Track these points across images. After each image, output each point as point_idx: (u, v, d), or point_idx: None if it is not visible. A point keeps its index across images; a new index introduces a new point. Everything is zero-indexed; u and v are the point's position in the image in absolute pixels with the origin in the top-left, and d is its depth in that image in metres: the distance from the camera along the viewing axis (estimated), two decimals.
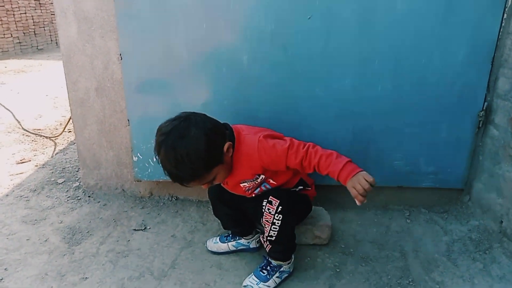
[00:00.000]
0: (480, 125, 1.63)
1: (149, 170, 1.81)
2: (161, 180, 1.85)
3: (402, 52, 1.53)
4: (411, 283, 1.37)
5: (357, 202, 1.12)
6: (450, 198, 1.81)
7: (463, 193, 1.78)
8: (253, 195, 1.35)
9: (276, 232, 1.26)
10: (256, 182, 1.30)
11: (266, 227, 1.27)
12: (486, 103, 1.60)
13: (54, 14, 8.62)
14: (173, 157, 1.12)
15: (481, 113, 1.61)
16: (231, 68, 1.60)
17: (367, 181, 1.10)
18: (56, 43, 8.81)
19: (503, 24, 1.49)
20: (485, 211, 1.65)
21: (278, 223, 1.25)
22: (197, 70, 1.63)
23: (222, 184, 1.38)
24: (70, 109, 1.85)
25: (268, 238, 1.29)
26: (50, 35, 8.61)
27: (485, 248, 1.53)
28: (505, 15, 1.48)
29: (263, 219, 1.27)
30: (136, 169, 1.82)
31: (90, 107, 1.84)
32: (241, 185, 1.31)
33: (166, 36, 1.60)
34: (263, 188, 1.34)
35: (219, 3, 1.52)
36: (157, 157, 1.18)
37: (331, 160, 1.17)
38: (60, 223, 1.73)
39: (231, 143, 1.22)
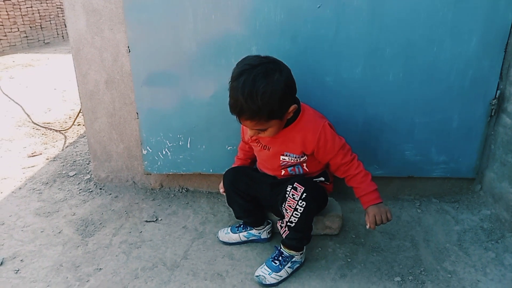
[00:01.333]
0: (493, 114, 1.61)
1: (159, 163, 1.82)
2: (170, 173, 1.86)
3: (413, 40, 1.51)
4: (422, 273, 1.37)
5: (368, 225, 1.26)
6: (461, 187, 1.80)
7: (475, 182, 1.77)
8: (282, 172, 1.39)
9: (297, 219, 1.27)
10: (298, 161, 1.34)
11: (288, 212, 1.28)
12: (498, 91, 1.58)
13: (60, 8, 8.67)
14: (249, 89, 1.14)
15: (494, 101, 1.59)
16: (240, 59, 1.59)
17: (387, 218, 1.26)
18: (63, 36, 8.84)
19: None
20: (497, 200, 1.63)
21: (300, 209, 1.26)
22: (206, 62, 1.62)
23: (259, 151, 1.41)
24: (80, 102, 1.86)
25: (288, 224, 1.30)
26: (57, 29, 8.62)
27: (497, 237, 1.52)
28: None
29: (286, 204, 1.28)
30: (146, 162, 1.83)
31: (100, 100, 1.85)
32: (281, 158, 1.35)
33: (174, 28, 1.59)
34: (295, 169, 1.37)
35: None
36: (232, 83, 1.20)
37: (366, 180, 1.30)
38: (73, 215, 1.75)
39: (296, 106, 1.25)
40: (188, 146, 1.78)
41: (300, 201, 1.25)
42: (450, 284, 1.31)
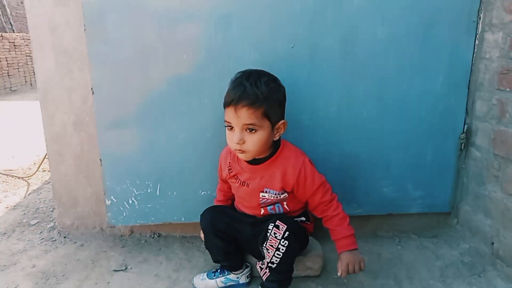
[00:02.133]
0: (462, 147, 1.65)
1: (124, 214, 1.68)
2: (137, 225, 1.74)
3: (385, 78, 1.56)
4: None
5: (339, 273, 1.22)
6: (438, 222, 1.80)
7: (451, 216, 1.77)
8: (262, 211, 1.33)
9: (278, 259, 1.20)
10: (278, 198, 1.29)
11: (269, 252, 1.21)
12: (466, 126, 1.63)
13: (29, 56, 8.61)
14: (255, 78, 1.19)
15: (462, 135, 1.64)
16: (214, 99, 1.56)
17: (360, 268, 1.23)
18: (31, 84, 8.71)
19: (475, 50, 1.56)
20: (474, 233, 1.63)
21: (282, 249, 1.19)
22: (178, 103, 1.57)
23: (238, 187, 1.35)
24: (46, 145, 1.77)
25: (269, 265, 1.22)
26: (25, 77, 8.51)
27: (479, 271, 1.50)
28: (476, 41, 1.55)
29: (267, 243, 1.21)
30: (110, 213, 1.67)
31: (67, 142, 1.76)
32: (261, 195, 1.30)
33: (143, 68, 1.54)
34: (275, 208, 1.32)
35: (201, 33, 1.51)
36: (236, 77, 1.23)
37: (343, 223, 1.27)
38: (33, 267, 1.60)
39: (286, 121, 1.27)
40: (158, 194, 1.66)
41: (283, 240, 1.19)
42: None
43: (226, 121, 1.23)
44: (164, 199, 1.66)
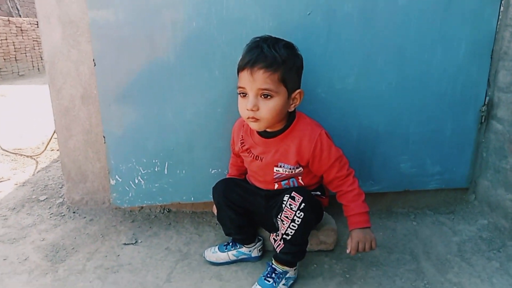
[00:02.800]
0: (483, 120, 1.59)
1: (130, 195, 1.61)
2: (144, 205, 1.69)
3: (405, 48, 1.49)
4: (427, 286, 1.27)
5: (348, 250, 1.17)
6: (455, 198, 1.75)
7: (468, 192, 1.72)
8: (276, 186, 1.29)
9: (293, 231, 1.16)
10: (293, 173, 1.24)
11: (284, 224, 1.17)
12: (487, 98, 1.57)
13: (36, 41, 8.58)
14: (273, 41, 1.15)
15: (483, 108, 1.57)
16: (226, 71, 1.47)
17: (371, 247, 1.17)
18: (38, 69, 8.70)
19: (500, 17, 1.48)
20: (493, 208, 1.58)
21: (298, 220, 1.15)
22: (187, 75, 1.49)
23: (251, 162, 1.30)
24: (54, 119, 1.74)
25: (284, 236, 1.18)
26: (32, 61, 8.50)
27: (498, 246, 1.46)
28: (501, 7, 1.47)
29: (282, 215, 1.17)
30: (115, 194, 1.60)
31: (75, 116, 1.73)
32: (275, 169, 1.25)
33: (149, 37, 1.45)
34: (290, 183, 1.27)
35: None
36: (253, 41, 1.17)
37: (358, 199, 1.20)
38: (42, 240, 1.59)
39: (303, 91, 1.21)
40: (166, 172, 1.58)
41: (298, 211, 1.15)
42: None
43: (239, 87, 1.17)
44: (173, 178, 1.59)
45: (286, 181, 1.28)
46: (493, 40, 1.51)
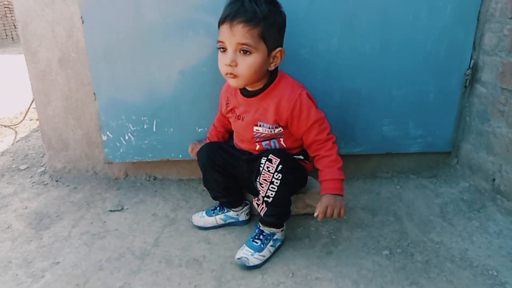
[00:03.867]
0: (467, 84, 1.60)
1: (121, 150, 1.65)
2: (135, 161, 1.70)
3: (389, 8, 1.46)
4: (410, 245, 1.31)
5: (316, 213, 1.13)
6: (438, 162, 1.78)
7: (451, 156, 1.75)
8: (257, 146, 1.28)
9: (274, 193, 1.16)
10: (271, 132, 1.23)
11: (263, 187, 1.17)
12: (472, 61, 1.57)
13: (8, 7, 8.13)
14: None
15: (468, 71, 1.58)
16: (209, 31, 1.47)
17: (340, 214, 1.14)
18: (12, 38, 8.31)
19: None
20: (474, 171, 1.62)
21: (277, 182, 1.15)
22: (172, 33, 1.48)
23: (234, 122, 1.31)
24: (31, 84, 1.67)
25: (265, 199, 1.19)
26: (5, 30, 8.09)
27: (478, 207, 1.50)
28: None
29: (260, 178, 1.16)
30: (106, 149, 1.65)
31: (53, 81, 1.66)
32: (255, 128, 1.24)
33: None
34: (271, 144, 1.26)
35: None
36: None
37: (333, 165, 1.18)
38: (25, 209, 1.56)
39: (283, 49, 1.18)
40: (154, 130, 1.62)
41: (276, 173, 1.14)
42: (439, 254, 1.26)
43: (219, 41, 1.14)
44: (161, 136, 1.62)
45: (267, 142, 1.28)
46: (480, 1, 1.49)
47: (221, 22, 1.13)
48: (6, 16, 8.13)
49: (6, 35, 8.16)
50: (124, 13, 1.46)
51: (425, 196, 1.61)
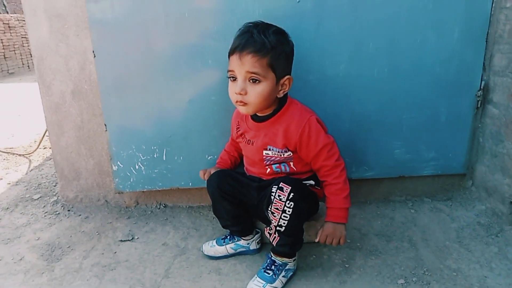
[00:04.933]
0: (479, 105, 1.58)
1: (131, 180, 1.66)
2: (145, 190, 1.71)
3: (396, 32, 1.47)
4: (426, 273, 1.27)
5: (317, 239, 1.21)
6: (452, 184, 1.75)
7: (466, 178, 1.72)
8: (267, 170, 1.29)
9: (286, 222, 1.15)
10: (282, 156, 1.24)
11: (275, 216, 1.16)
12: (483, 82, 1.55)
13: (25, 38, 8.44)
14: (263, 26, 1.16)
15: (479, 92, 1.56)
16: (218, 60, 1.49)
17: (339, 242, 1.20)
18: (28, 66, 8.58)
19: None
20: (490, 194, 1.58)
21: (289, 211, 1.13)
22: (181, 64, 1.51)
23: (245, 146, 1.34)
24: (45, 116, 1.71)
25: (277, 228, 1.17)
26: (21, 59, 8.37)
27: (496, 231, 1.46)
28: None
29: (272, 207, 1.15)
30: (117, 179, 1.66)
31: (66, 112, 1.70)
32: (264, 152, 1.25)
33: (144, 28, 1.48)
34: (281, 167, 1.27)
35: None
36: (244, 26, 1.19)
37: (339, 194, 1.20)
38: (37, 240, 1.56)
39: (292, 78, 1.21)
40: (164, 159, 1.63)
41: (288, 201, 1.13)
42: (456, 282, 1.22)
43: (229, 71, 1.18)
44: (171, 164, 1.63)
45: (277, 165, 1.28)
46: (488, 23, 1.49)
47: (231, 53, 1.16)
48: (23, 46, 8.42)
49: (23, 64, 8.44)
50: (134, 46, 1.50)
51: (440, 220, 1.57)
